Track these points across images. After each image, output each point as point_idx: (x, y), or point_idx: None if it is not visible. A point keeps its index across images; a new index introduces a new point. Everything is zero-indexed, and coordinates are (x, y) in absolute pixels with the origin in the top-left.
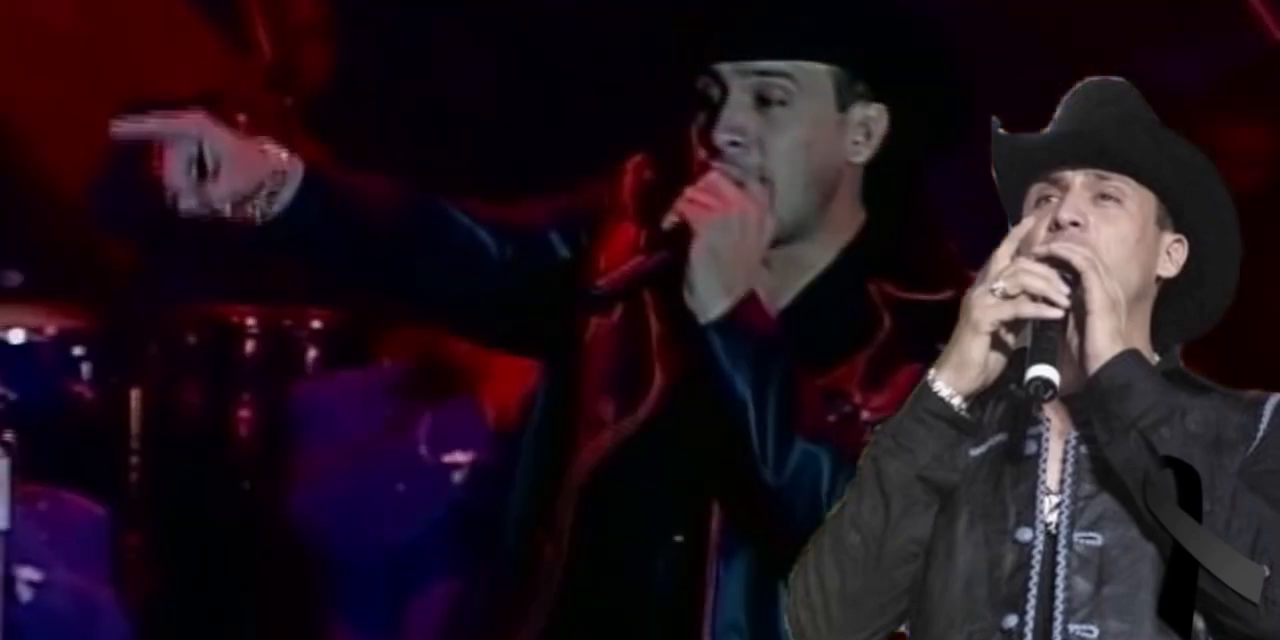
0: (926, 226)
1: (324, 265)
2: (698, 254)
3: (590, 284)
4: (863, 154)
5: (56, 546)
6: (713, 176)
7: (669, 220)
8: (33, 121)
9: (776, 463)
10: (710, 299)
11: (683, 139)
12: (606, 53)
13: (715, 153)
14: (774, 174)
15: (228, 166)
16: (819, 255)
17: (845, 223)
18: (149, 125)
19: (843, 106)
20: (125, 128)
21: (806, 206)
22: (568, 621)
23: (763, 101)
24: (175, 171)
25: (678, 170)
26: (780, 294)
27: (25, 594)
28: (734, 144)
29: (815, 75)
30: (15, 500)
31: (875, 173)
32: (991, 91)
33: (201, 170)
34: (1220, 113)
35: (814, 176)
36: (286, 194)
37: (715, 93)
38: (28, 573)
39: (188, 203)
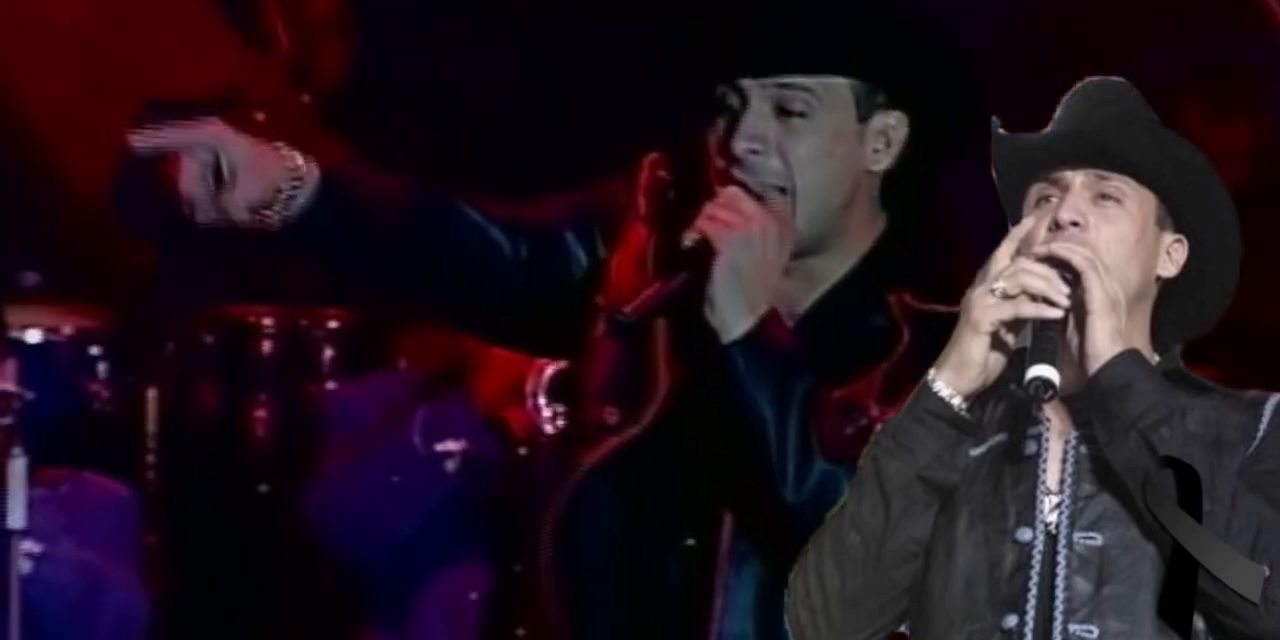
0: (944, 235)
1: (337, 266)
2: (720, 272)
3: (616, 310)
4: (882, 162)
5: (80, 527)
6: (732, 191)
7: (690, 237)
8: (50, 121)
9: (797, 481)
10: (733, 317)
11: (698, 142)
12: (624, 53)
13: (734, 160)
14: (793, 183)
15: (244, 174)
16: (837, 264)
17: (863, 231)
18: (166, 137)
19: (863, 117)
20: (142, 141)
21: (825, 216)
22: (575, 622)
23: (783, 112)
24: (192, 181)
25: (692, 173)
26: (798, 303)
27: (24, 566)
28: (754, 152)
29: (836, 88)
30: (32, 501)
31: (893, 180)
32: (994, 91)
33: (218, 178)
34: (1200, 108)
35: (833, 186)
36: (303, 198)
37: (735, 101)
38: (27, 545)
39: (204, 212)
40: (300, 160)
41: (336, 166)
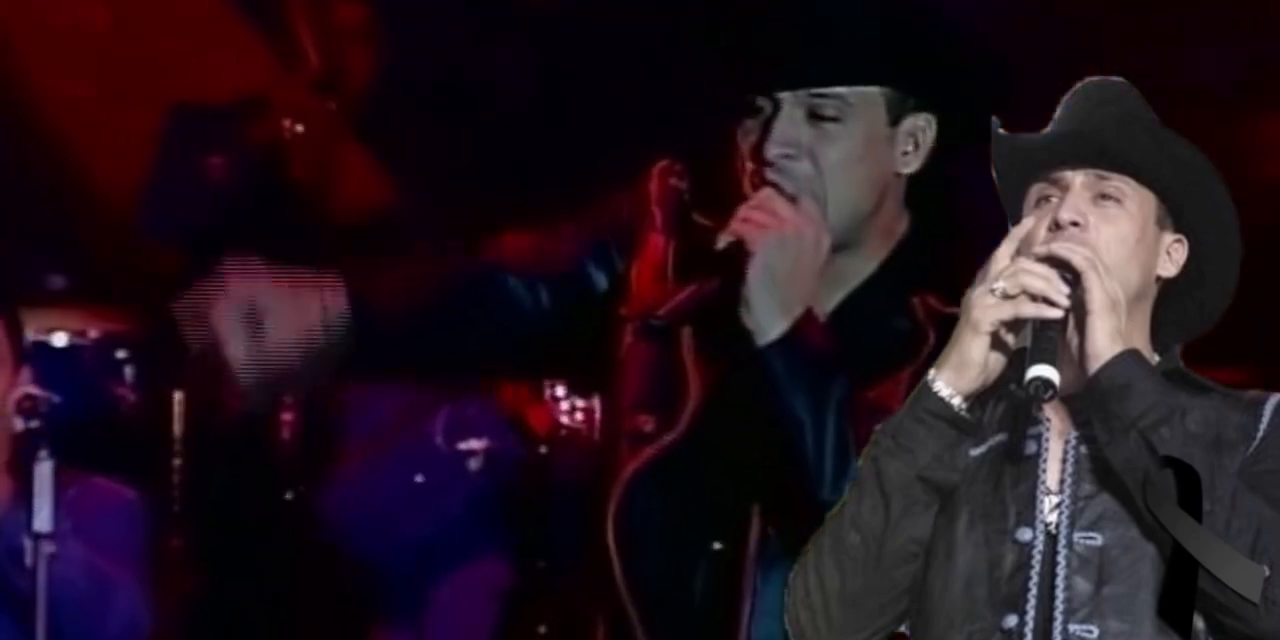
0: (969, 237)
1: (372, 358)
2: (755, 273)
3: (650, 315)
4: (912, 164)
5: (86, 530)
6: (766, 193)
7: (723, 239)
8: (76, 125)
9: (835, 481)
10: (768, 319)
11: (722, 146)
12: (649, 58)
13: (767, 164)
14: (825, 187)
15: (276, 322)
16: (862, 265)
17: (889, 232)
18: (213, 316)
19: (894, 120)
20: (200, 334)
21: (855, 219)
22: (602, 622)
23: (815, 117)
24: (228, 334)
25: (712, 177)
26: (823, 303)
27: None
28: (786, 156)
29: (868, 95)
30: (68, 505)
31: (918, 183)
32: (1027, 92)
33: (253, 326)
34: (1253, 104)
35: (864, 191)
36: (337, 326)
37: (766, 105)
38: (44, 545)
39: (238, 359)
40: (329, 297)
41: (362, 283)
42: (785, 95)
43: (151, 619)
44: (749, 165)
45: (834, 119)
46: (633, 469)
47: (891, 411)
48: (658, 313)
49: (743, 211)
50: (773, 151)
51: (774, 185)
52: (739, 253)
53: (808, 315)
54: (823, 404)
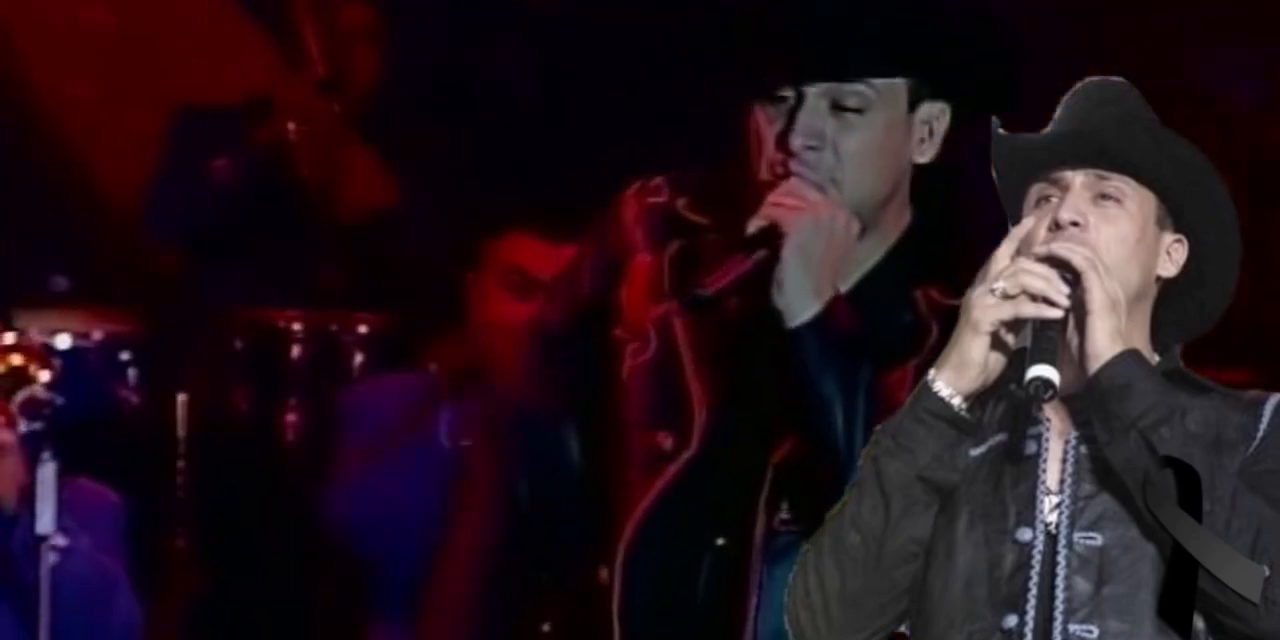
0: (972, 230)
1: None
2: (789, 254)
3: (694, 288)
4: (927, 154)
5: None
6: (793, 182)
7: (755, 224)
8: (81, 126)
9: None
10: (800, 300)
11: (726, 143)
12: (653, 57)
13: (791, 155)
14: (844, 176)
15: None
16: (866, 254)
17: (894, 222)
18: None
19: (912, 106)
20: None
21: (869, 208)
22: (608, 621)
23: (838, 107)
24: None
25: (716, 174)
26: None
27: (51, 558)
28: (810, 148)
29: (892, 85)
30: (62, 504)
31: (923, 174)
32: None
33: None
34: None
35: (881, 178)
36: None
37: (790, 95)
38: (56, 539)
39: None
40: None
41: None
42: (810, 85)
43: (143, 617)
44: (774, 154)
45: (857, 110)
46: (651, 500)
47: (898, 403)
48: (704, 285)
49: (772, 198)
50: (797, 142)
51: (799, 175)
52: (772, 236)
53: (837, 298)
54: (852, 386)
